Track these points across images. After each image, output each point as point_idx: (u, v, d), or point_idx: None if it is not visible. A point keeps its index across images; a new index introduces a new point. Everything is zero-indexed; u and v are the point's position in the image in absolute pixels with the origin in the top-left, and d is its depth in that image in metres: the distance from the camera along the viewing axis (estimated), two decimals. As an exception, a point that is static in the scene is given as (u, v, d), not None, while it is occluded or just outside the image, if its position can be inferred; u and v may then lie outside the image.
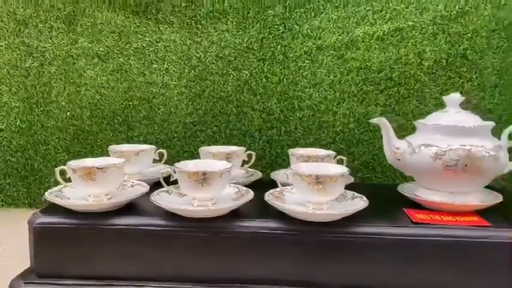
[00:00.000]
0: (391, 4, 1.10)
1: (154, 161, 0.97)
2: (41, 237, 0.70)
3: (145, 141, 1.18)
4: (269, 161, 1.18)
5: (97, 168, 0.69)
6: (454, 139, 0.72)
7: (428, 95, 1.11)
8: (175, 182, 0.74)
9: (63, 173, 0.74)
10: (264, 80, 1.16)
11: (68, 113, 1.21)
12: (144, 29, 1.17)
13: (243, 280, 0.70)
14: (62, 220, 0.71)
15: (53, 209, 0.74)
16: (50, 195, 0.73)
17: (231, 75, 1.16)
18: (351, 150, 1.15)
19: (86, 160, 0.76)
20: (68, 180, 0.74)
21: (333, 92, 1.14)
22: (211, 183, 0.68)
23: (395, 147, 0.77)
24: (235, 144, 1.14)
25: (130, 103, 1.19)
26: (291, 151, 0.94)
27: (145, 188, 0.78)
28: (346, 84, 1.13)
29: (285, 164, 1.10)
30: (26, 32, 1.19)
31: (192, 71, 1.17)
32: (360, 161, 1.15)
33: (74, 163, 0.72)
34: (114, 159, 0.77)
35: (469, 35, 1.08)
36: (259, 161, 1.17)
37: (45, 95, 1.21)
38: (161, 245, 0.71)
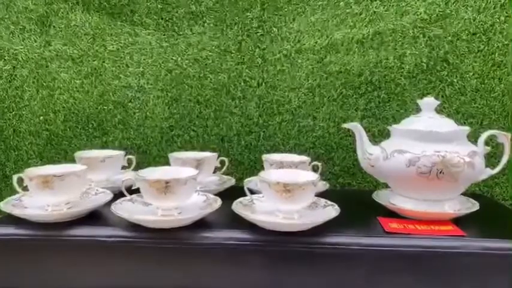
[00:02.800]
0: (370, 7, 1.08)
1: (124, 167, 0.94)
2: (-6, 249, 0.67)
3: (120, 146, 1.14)
4: (248, 166, 1.15)
5: (54, 176, 0.66)
6: (429, 145, 0.70)
7: (408, 99, 1.08)
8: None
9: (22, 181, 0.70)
10: (243, 83, 1.13)
11: (41, 117, 1.17)
12: (119, 31, 1.14)
13: (208, 293, 0.67)
14: (18, 231, 0.67)
15: (11, 219, 0.70)
16: (6, 205, 0.70)
17: (209, 79, 1.14)
18: (331, 155, 1.13)
19: (44, 167, 0.72)
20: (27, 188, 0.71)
21: (312, 96, 1.12)
22: (175, 191, 0.65)
23: (368, 153, 0.75)
24: (213, 149, 1.11)
25: (105, 107, 1.16)
26: (264, 157, 0.91)
27: (109, 196, 0.74)
28: (326, 88, 1.11)
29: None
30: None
31: (169, 74, 1.14)
32: (340, 166, 1.13)
33: (30, 170, 0.68)
34: (74, 166, 0.74)
35: (450, 38, 1.06)
36: (238, 167, 1.15)
37: (17, 98, 1.17)
38: (124, 256, 0.68)
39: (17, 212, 0.68)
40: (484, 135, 0.74)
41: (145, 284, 0.68)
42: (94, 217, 0.73)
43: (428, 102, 0.77)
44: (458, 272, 0.64)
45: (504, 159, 0.75)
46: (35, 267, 0.68)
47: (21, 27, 1.16)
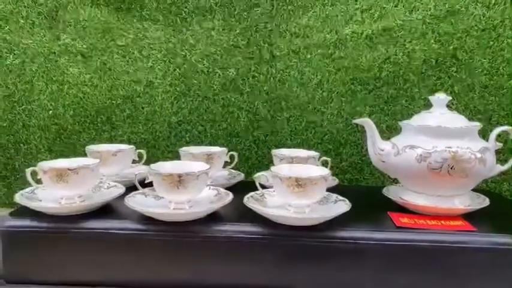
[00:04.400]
0: (379, 3, 1.07)
1: (134, 161, 0.95)
2: (9, 241, 0.68)
3: (129, 141, 1.15)
4: (255, 162, 1.16)
5: (68, 169, 0.66)
6: (440, 140, 0.70)
7: (417, 95, 1.08)
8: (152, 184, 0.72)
9: (35, 174, 0.71)
10: (251, 78, 1.13)
11: (50, 111, 1.18)
12: (129, 25, 1.14)
13: (219, 286, 0.68)
14: (32, 223, 0.68)
15: (24, 211, 0.71)
16: (21, 197, 0.71)
17: (217, 74, 1.14)
18: (339, 151, 1.13)
19: (58, 161, 0.73)
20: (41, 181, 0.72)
21: (320, 92, 1.12)
22: (187, 185, 0.65)
23: (379, 149, 0.75)
24: (221, 144, 1.12)
25: (114, 102, 1.17)
26: (274, 152, 0.91)
27: (121, 189, 0.75)
28: (334, 83, 1.11)
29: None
30: (6, 28, 1.16)
31: (177, 69, 1.15)
32: (348, 162, 1.13)
33: (45, 164, 0.69)
34: (88, 160, 0.74)
35: (459, 34, 1.06)
36: (246, 162, 1.15)
37: (26, 93, 1.18)
38: (136, 249, 0.68)
39: (31, 204, 0.69)
40: (496, 131, 0.74)
41: (156, 276, 0.69)
42: (106, 210, 0.74)
43: (440, 98, 0.77)
44: (469, 267, 0.65)
45: (515, 156, 0.75)
46: (48, 258, 0.69)
47: (31, 21, 1.16)
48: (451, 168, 0.68)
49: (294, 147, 1.08)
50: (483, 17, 1.05)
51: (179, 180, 0.65)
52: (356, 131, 1.11)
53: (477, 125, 0.74)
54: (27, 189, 0.75)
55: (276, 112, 1.14)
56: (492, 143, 0.73)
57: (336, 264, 0.66)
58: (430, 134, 0.71)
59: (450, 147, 0.69)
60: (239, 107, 1.14)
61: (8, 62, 1.17)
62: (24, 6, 1.15)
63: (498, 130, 0.74)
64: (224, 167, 0.94)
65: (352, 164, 1.13)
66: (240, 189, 0.79)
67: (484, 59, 1.06)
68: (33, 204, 0.69)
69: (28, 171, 0.71)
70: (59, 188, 0.68)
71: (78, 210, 0.70)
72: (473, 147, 0.69)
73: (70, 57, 1.17)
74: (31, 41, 1.16)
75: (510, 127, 0.76)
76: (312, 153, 0.91)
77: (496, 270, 0.65)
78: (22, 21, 1.16)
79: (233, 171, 0.99)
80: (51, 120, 1.18)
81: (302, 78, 1.12)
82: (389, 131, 1.07)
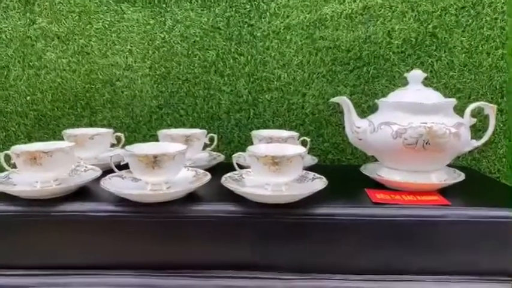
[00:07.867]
0: (359, -19, 1.07)
1: (113, 145, 0.94)
2: (-15, 226, 0.67)
3: (109, 126, 1.14)
4: (238, 144, 1.15)
5: (42, 152, 0.65)
6: (415, 116, 0.70)
7: (397, 75, 1.09)
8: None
9: (9, 158, 0.70)
10: (231, 60, 1.12)
11: (28, 97, 1.16)
12: (105, 8, 1.12)
13: (199, 265, 0.68)
14: (7, 208, 0.67)
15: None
16: (-6, 182, 0.70)
17: (197, 56, 1.12)
18: (321, 132, 1.13)
19: (32, 144, 0.72)
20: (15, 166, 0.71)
21: (301, 73, 1.11)
22: (164, 166, 0.65)
23: (356, 127, 0.75)
24: (203, 127, 1.11)
25: (93, 86, 1.15)
26: (253, 133, 0.91)
27: (98, 172, 0.74)
28: (315, 64, 1.10)
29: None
30: None
31: (156, 52, 1.13)
32: (329, 142, 1.14)
33: (18, 147, 0.68)
34: (62, 142, 0.73)
35: (438, 12, 1.05)
36: (228, 144, 1.15)
37: (3, 79, 1.15)
38: (113, 231, 0.68)
39: (6, 189, 0.68)
40: (471, 107, 0.75)
41: (135, 257, 0.69)
42: (83, 193, 0.73)
43: (416, 74, 0.77)
44: (443, 239, 0.66)
45: (489, 131, 0.76)
46: (24, 243, 0.68)
47: (4, 5, 1.13)
48: (426, 143, 0.69)
49: (276, 129, 1.08)
50: (462, -6, 1.05)
51: (155, 161, 0.64)
52: (337, 112, 1.11)
53: (452, 100, 0.75)
54: (1, 174, 0.74)
55: (258, 94, 1.13)
56: (467, 119, 0.74)
57: (313, 240, 0.67)
58: (405, 111, 0.72)
59: (425, 123, 0.69)
60: (220, 89, 1.13)
61: (-18, 48, 1.14)
62: (-3, -10, 1.12)
63: (473, 105, 0.75)
64: (204, 149, 0.94)
65: (334, 144, 1.14)
66: (221, 170, 0.79)
67: (463, 37, 1.06)
68: (7, 189, 0.68)
69: (1, 155, 0.70)
70: (33, 172, 0.67)
71: (54, 194, 0.69)
72: (447, 123, 0.70)
73: (47, 41, 1.14)
74: (5, 25, 1.14)
75: (485, 102, 0.76)
76: (292, 133, 0.91)
77: (469, 241, 0.66)
78: (-5, 5, 1.13)
79: (213, 153, 0.99)
80: (29, 106, 1.16)
81: (283, 59, 1.11)
82: (370, 111, 1.07)
